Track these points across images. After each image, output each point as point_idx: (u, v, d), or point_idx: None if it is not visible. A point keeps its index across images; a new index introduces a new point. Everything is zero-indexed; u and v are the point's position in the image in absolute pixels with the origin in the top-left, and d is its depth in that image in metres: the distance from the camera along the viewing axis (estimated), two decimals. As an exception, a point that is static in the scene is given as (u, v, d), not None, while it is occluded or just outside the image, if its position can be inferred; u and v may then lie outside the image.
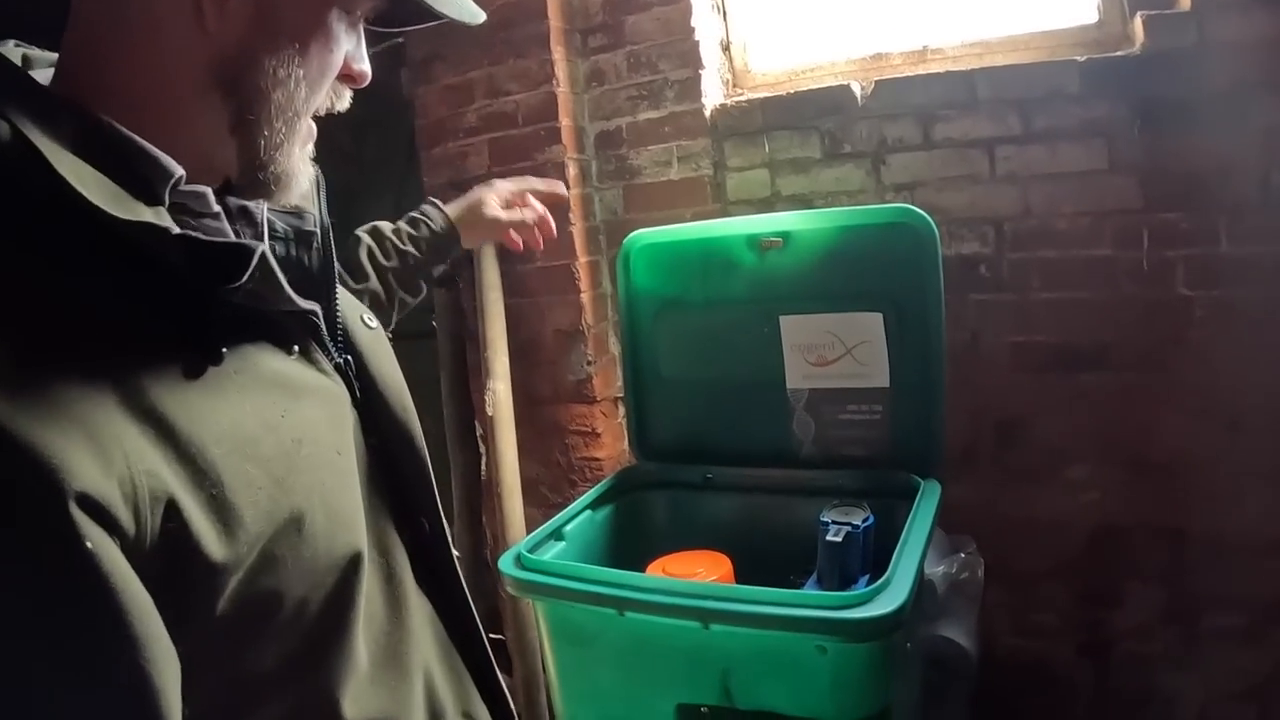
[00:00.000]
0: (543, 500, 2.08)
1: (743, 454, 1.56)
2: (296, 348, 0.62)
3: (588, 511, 1.47)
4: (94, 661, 0.44)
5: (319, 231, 0.68)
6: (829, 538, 1.25)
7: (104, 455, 0.44)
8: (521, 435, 2.01)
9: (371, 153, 2.29)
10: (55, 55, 0.57)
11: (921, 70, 1.72)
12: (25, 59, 0.58)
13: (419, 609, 0.70)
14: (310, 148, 0.64)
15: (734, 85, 1.96)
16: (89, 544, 0.42)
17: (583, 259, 1.97)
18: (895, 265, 1.40)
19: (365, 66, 0.64)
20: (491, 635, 0.83)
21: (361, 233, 1.17)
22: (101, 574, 0.43)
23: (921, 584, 1.13)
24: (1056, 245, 1.59)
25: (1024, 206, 1.61)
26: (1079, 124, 1.54)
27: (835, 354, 1.49)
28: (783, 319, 1.51)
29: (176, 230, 0.50)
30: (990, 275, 1.65)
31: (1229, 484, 1.53)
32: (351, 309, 0.73)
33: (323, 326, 0.65)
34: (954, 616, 1.46)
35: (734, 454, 1.57)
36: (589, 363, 1.98)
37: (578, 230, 1.96)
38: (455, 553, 0.78)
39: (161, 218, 0.51)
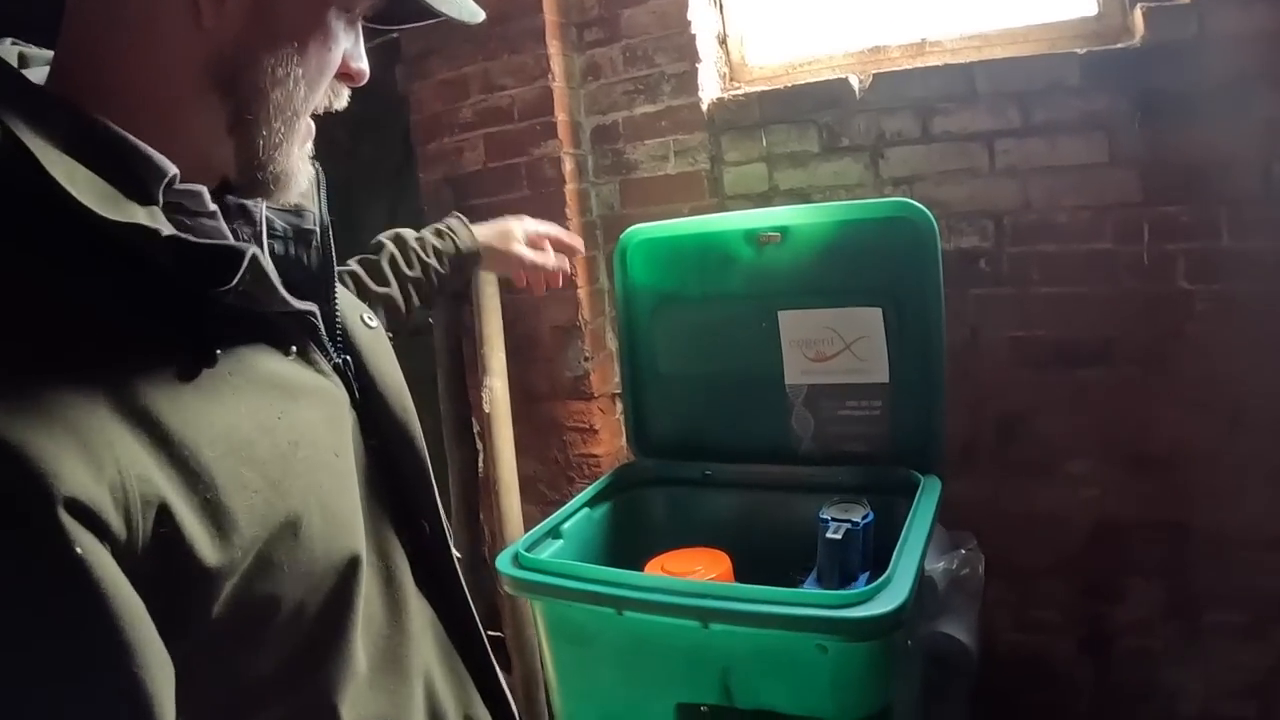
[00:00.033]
0: (540, 497, 2.07)
1: (741, 450, 1.55)
2: (294, 348, 0.62)
3: (585, 509, 1.46)
4: (85, 668, 0.43)
5: (319, 230, 0.67)
6: (829, 535, 1.24)
7: (94, 460, 0.43)
8: (519, 432, 2.00)
9: (367, 149, 2.28)
10: (52, 54, 0.56)
11: (920, 63, 1.71)
12: (22, 57, 0.57)
13: (419, 612, 0.70)
14: (309, 145, 0.63)
15: (731, 79, 1.94)
16: (79, 549, 0.42)
17: (579, 255, 1.96)
18: (894, 260, 1.39)
19: (363, 65, 0.64)
20: (490, 633, 0.82)
21: (385, 239, 1.16)
22: (92, 579, 0.42)
23: (922, 581, 1.12)
24: (1056, 239, 1.59)
25: (1024, 200, 1.60)
26: (1079, 117, 1.53)
27: (834, 349, 1.48)
28: (781, 314, 1.50)
29: (166, 232, 0.49)
30: (990, 269, 1.64)
31: (1230, 479, 1.53)
32: (351, 308, 0.73)
33: (321, 327, 0.64)
34: (955, 613, 1.45)
35: (733, 450, 1.56)
36: (586, 359, 1.97)
37: (574, 226, 1.95)
38: (456, 554, 0.77)
39: (155, 217, 0.50)
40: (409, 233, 1.18)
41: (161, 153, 0.52)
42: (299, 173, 0.61)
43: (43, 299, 0.47)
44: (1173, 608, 1.62)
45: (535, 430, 2.04)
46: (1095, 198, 1.54)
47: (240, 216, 0.60)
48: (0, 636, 0.41)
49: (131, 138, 0.52)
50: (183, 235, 0.50)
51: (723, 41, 1.93)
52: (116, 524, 0.43)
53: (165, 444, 0.48)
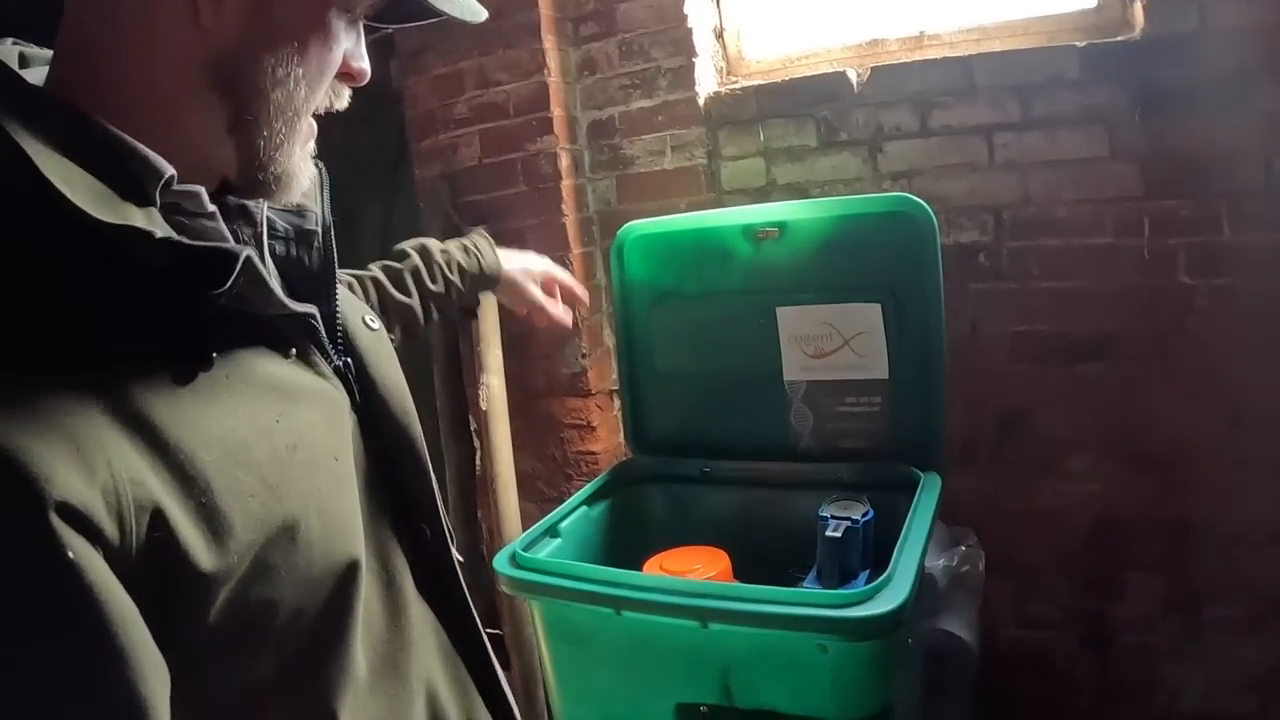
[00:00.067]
0: (538, 495, 2.06)
1: (740, 447, 1.54)
2: (294, 350, 0.61)
3: (583, 507, 1.45)
4: (79, 672, 0.43)
5: (320, 231, 0.67)
6: (828, 533, 1.23)
7: (87, 464, 0.43)
8: (516, 429, 1.99)
9: (361, 145, 2.26)
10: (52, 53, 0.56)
11: (918, 56, 1.70)
12: (23, 57, 0.57)
13: (420, 616, 0.69)
14: (311, 145, 0.63)
15: (728, 73, 1.93)
16: (71, 554, 0.41)
17: (576, 251, 1.95)
18: (894, 255, 1.38)
19: (364, 64, 0.63)
20: (489, 630, 0.81)
21: (410, 249, 1.15)
22: (84, 583, 0.42)
23: (922, 579, 1.11)
24: (1056, 233, 1.57)
25: (1023, 194, 1.59)
26: (1079, 110, 1.52)
27: (833, 345, 1.47)
28: (779, 310, 1.49)
29: (160, 234, 0.49)
30: (989, 264, 1.63)
31: (1231, 474, 1.52)
32: (353, 309, 0.72)
33: (321, 329, 0.64)
34: (955, 610, 1.45)
35: (731, 447, 1.55)
36: (583, 356, 1.95)
37: (570, 222, 1.94)
38: (459, 558, 0.76)
39: (152, 219, 0.50)
40: (434, 245, 1.17)
41: (160, 153, 0.52)
42: (301, 172, 0.61)
43: (37, 301, 0.47)
44: (1173, 603, 1.61)
45: (533, 427, 2.03)
46: (1095, 192, 1.53)
47: (241, 217, 0.60)
48: None
49: (128, 138, 0.51)
50: (175, 237, 0.50)
51: (719, 35, 1.91)
52: (109, 528, 0.43)
53: (160, 448, 0.47)
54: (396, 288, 1.10)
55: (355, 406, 0.66)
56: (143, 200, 0.50)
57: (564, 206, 1.92)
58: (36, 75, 0.54)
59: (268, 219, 0.64)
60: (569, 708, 1.28)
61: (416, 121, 2.08)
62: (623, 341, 1.61)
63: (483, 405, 1.89)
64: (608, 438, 2.00)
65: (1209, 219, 1.47)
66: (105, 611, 0.43)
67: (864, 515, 1.26)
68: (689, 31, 1.82)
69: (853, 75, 1.70)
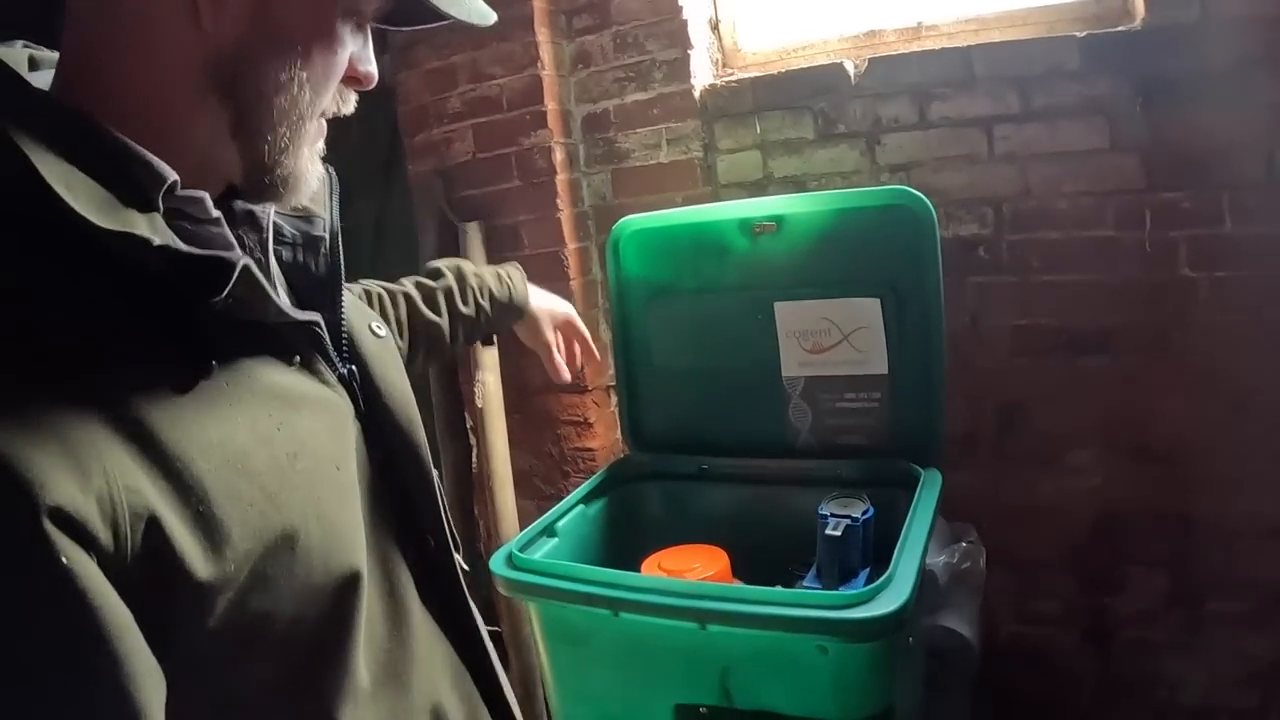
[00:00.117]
0: (536, 492, 2.05)
1: (738, 444, 1.53)
2: (298, 358, 0.61)
3: (580, 506, 1.44)
4: (73, 679, 0.42)
5: (328, 237, 0.67)
6: (828, 531, 1.22)
7: (82, 470, 0.43)
8: (513, 426, 1.98)
9: (354, 141, 2.24)
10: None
11: (916, 47, 1.68)
12: (32, 60, 0.57)
13: (423, 627, 0.68)
14: (320, 146, 0.62)
15: (724, 65, 1.91)
16: (65, 559, 0.41)
17: (571, 245, 1.93)
18: (893, 249, 1.36)
19: (372, 68, 0.62)
20: (488, 628, 0.81)
21: (446, 269, 1.15)
22: (78, 589, 0.42)
23: (923, 578, 1.10)
24: (1057, 226, 1.56)
25: (1023, 187, 1.58)
26: (1079, 102, 1.51)
27: (832, 340, 1.45)
28: (777, 305, 1.47)
29: (158, 241, 0.48)
30: (989, 257, 1.62)
31: (1233, 467, 1.51)
32: (359, 316, 0.72)
33: (325, 336, 0.63)
34: (956, 607, 1.43)
35: (729, 444, 1.54)
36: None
37: (566, 216, 1.92)
38: (464, 566, 0.76)
39: (154, 224, 0.50)
40: (469, 267, 1.17)
41: (163, 157, 0.52)
42: (309, 174, 0.60)
43: (36, 306, 0.46)
44: (1175, 598, 1.60)
45: (529, 424, 2.02)
46: (1096, 184, 1.52)
47: (246, 223, 0.60)
48: None
49: (131, 143, 0.51)
50: (172, 245, 0.49)
51: (715, 27, 1.89)
52: (104, 535, 0.43)
53: (157, 455, 0.47)
54: (428, 305, 1.10)
55: (359, 414, 0.66)
56: (145, 206, 0.50)
57: (559, 201, 1.90)
58: (44, 78, 0.54)
59: (275, 224, 0.64)
60: (567, 708, 1.27)
61: (409, 116, 2.06)
62: (619, 338, 1.59)
63: (478, 403, 1.88)
64: (605, 434, 1.99)
65: (1211, 211, 1.45)
66: (100, 618, 0.42)
67: (864, 513, 1.24)
68: (684, 23, 1.80)
69: (850, 67, 1.68)
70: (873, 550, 1.26)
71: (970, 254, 1.62)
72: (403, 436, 0.70)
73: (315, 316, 0.61)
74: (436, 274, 1.15)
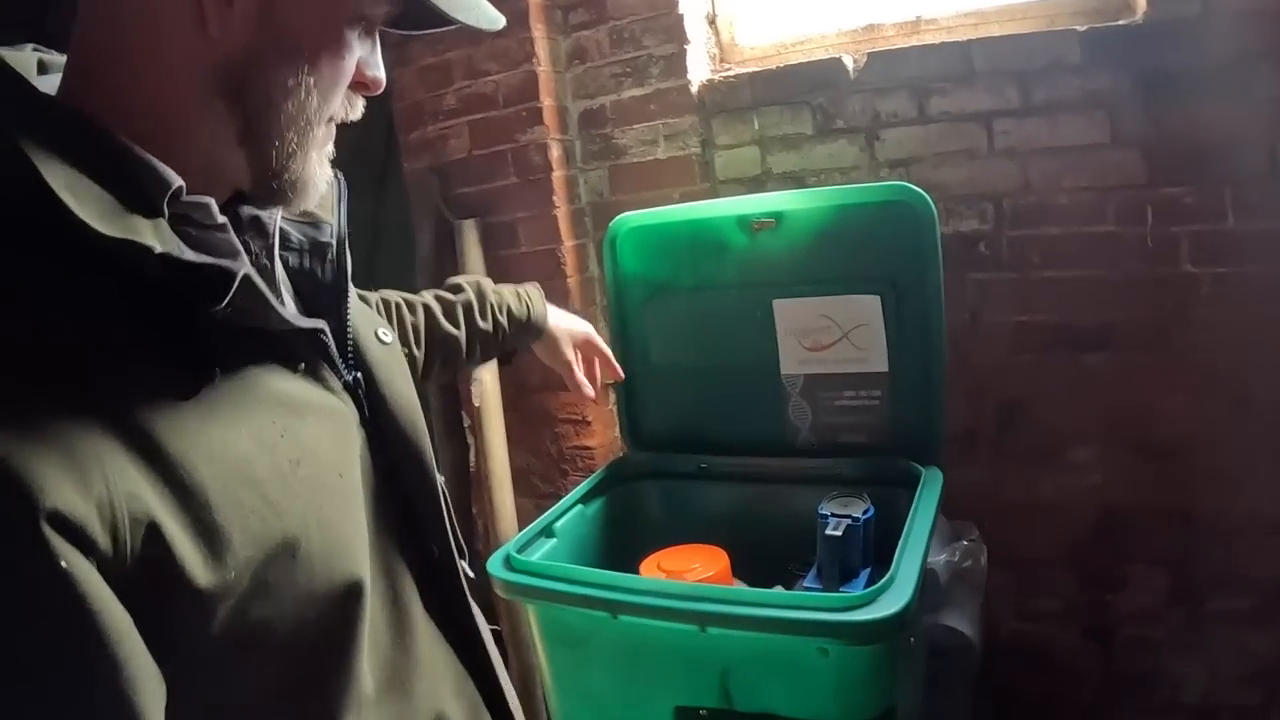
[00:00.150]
0: (534, 490, 2.04)
1: (737, 442, 1.52)
2: (303, 364, 0.61)
3: (579, 506, 1.43)
4: (71, 682, 0.42)
5: (334, 243, 0.67)
6: (829, 532, 1.21)
7: (82, 476, 0.43)
8: (511, 425, 1.97)
9: (349, 139, 2.22)
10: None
11: (915, 42, 1.67)
12: (42, 64, 0.57)
13: (427, 635, 0.68)
14: (330, 148, 0.62)
15: (721, 60, 1.90)
16: (64, 563, 0.41)
17: (568, 243, 1.92)
18: (892, 245, 1.35)
19: (379, 73, 0.62)
20: (490, 626, 0.81)
21: (466, 284, 1.15)
22: (77, 594, 0.42)
23: (924, 577, 1.09)
24: (1058, 222, 1.55)
25: (1024, 182, 1.56)
26: (1080, 96, 1.49)
27: (831, 338, 1.44)
28: (776, 303, 1.46)
29: (159, 249, 0.48)
30: (990, 253, 1.61)
31: (1235, 464, 1.50)
32: (365, 322, 0.71)
33: (331, 343, 0.63)
34: (957, 605, 1.43)
35: (728, 442, 1.52)
36: (578, 350, 1.93)
37: (562, 214, 1.91)
38: (469, 574, 0.75)
39: (159, 230, 0.49)
40: (489, 284, 1.17)
41: (169, 163, 0.51)
42: (317, 178, 0.60)
43: (39, 311, 0.46)
44: (1177, 595, 1.60)
45: (527, 423, 2.01)
46: (1097, 179, 1.51)
47: (253, 229, 0.60)
48: None
49: (137, 148, 0.51)
50: (173, 253, 0.48)
51: (712, 21, 1.88)
52: (103, 540, 0.43)
53: (158, 462, 0.47)
54: (447, 318, 1.10)
55: (364, 421, 0.66)
56: (150, 211, 0.49)
57: (555, 198, 1.89)
58: (53, 82, 0.54)
59: (282, 230, 0.64)
60: (567, 709, 1.26)
61: (404, 113, 2.05)
62: (617, 336, 1.58)
63: (475, 401, 1.87)
64: (603, 432, 1.98)
65: (1213, 206, 1.44)
66: (99, 621, 0.42)
67: (864, 513, 1.23)
68: (680, 18, 1.79)
69: (849, 61, 1.66)
70: (873, 549, 1.25)
71: (970, 250, 1.61)
72: (407, 444, 0.70)
73: (320, 324, 0.61)
74: (457, 289, 1.15)
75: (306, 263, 0.67)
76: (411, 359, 1.04)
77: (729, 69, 1.86)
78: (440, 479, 0.74)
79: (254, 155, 0.56)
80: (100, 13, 0.52)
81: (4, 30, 0.60)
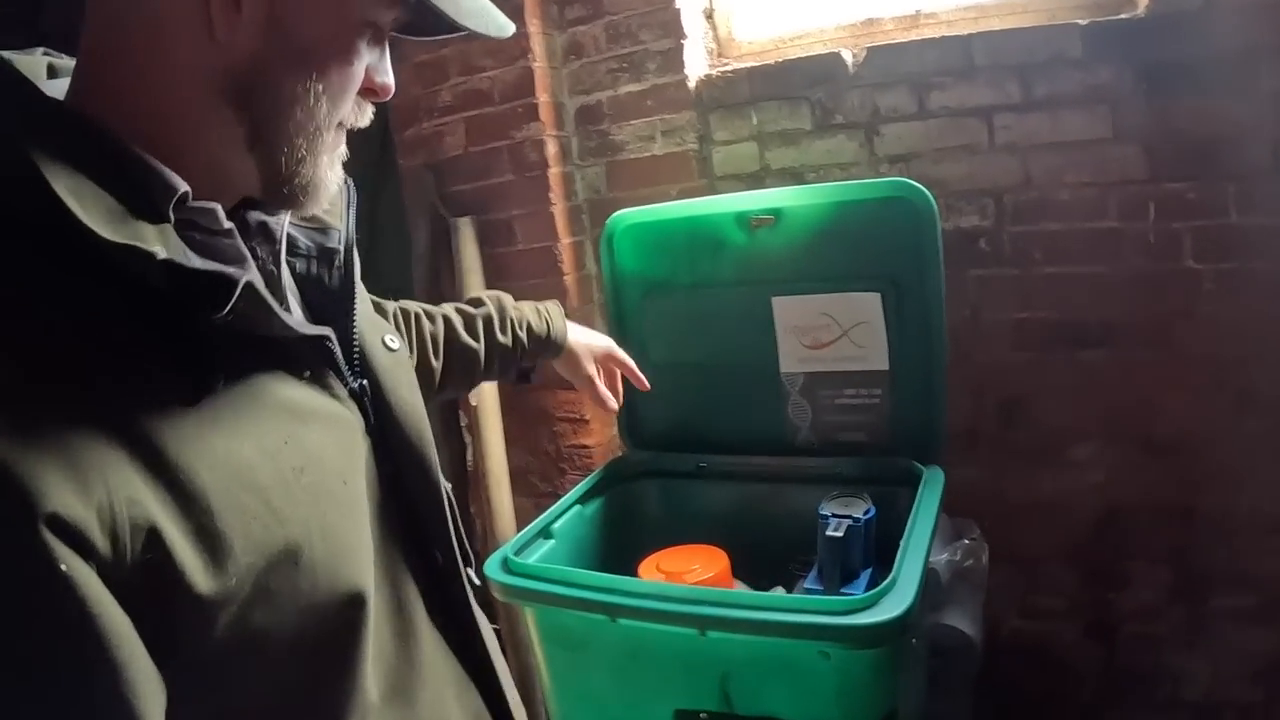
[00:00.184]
0: (532, 489, 2.03)
1: (737, 441, 1.51)
2: (308, 371, 0.60)
3: (577, 506, 1.42)
4: (71, 685, 0.42)
5: (342, 249, 0.68)
6: (829, 532, 1.20)
7: (82, 480, 0.43)
8: (508, 424, 1.96)
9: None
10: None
11: (915, 36, 1.65)
12: (51, 68, 0.57)
13: (430, 643, 0.68)
14: (342, 150, 0.62)
15: (718, 55, 1.88)
16: (63, 566, 0.41)
17: (565, 240, 1.90)
18: (893, 242, 1.34)
19: (388, 80, 0.62)
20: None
21: (487, 298, 1.15)
22: (77, 596, 0.42)
23: (926, 577, 1.08)
24: (1059, 217, 1.54)
25: (1025, 177, 1.55)
26: (1081, 90, 1.48)
27: (831, 336, 1.43)
28: (775, 300, 1.45)
29: (162, 255, 0.47)
30: (990, 249, 1.59)
31: (1238, 461, 1.49)
32: (373, 329, 0.71)
33: (337, 350, 0.63)
34: (958, 604, 1.42)
35: (728, 441, 1.52)
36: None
37: (559, 210, 1.89)
38: (475, 581, 0.75)
39: (164, 235, 0.49)
40: (509, 300, 1.17)
41: (175, 168, 0.51)
42: (327, 181, 0.60)
43: (42, 316, 0.46)
44: (1178, 593, 1.59)
45: (525, 422, 1.99)
46: (1099, 174, 1.49)
47: (260, 234, 0.60)
48: None
49: (142, 153, 0.51)
50: (175, 260, 0.48)
51: (709, 16, 1.86)
52: (102, 545, 0.43)
53: (160, 468, 0.47)
54: (467, 331, 1.10)
55: (369, 429, 0.65)
56: (156, 217, 0.49)
57: (552, 195, 1.88)
58: (61, 86, 0.54)
59: (290, 236, 0.63)
60: (565, 710, 1.25)
61: (399, 110, 2.03)
62: (614, 334, 1.56)
63: (473, 401, 1.85)
64: (601, 431, 1.97)
65: (1216, 202, 1.43)
66: (98, 625, 0.42)
67: (865, 513, 1.22)
68: (677, 13, 1.77)
69: (847, 56, 1.65)
70: (874, 549, 1.24)
71: (971, 246, 1.60)
72: (412, 452, 0.69)
73: (325, 331, 0.61)
74: (477, 302, 1.15)
75: (314, 269, 0.67)
76: (429, 370, 1.04)
77: (727, 64, 1.84)
78: (447, 486, 0.74)
79: (263, 161, 0.56)
80: (107, 17, 0.52)
81: (-1, 29, 0.59)
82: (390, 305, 1.01)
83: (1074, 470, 1.61)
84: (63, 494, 0.41)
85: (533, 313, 1.18)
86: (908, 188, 1.30)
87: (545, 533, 1.33)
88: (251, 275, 0.51)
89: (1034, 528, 1.64)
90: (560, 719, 1.26)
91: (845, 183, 1.58)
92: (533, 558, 1.27)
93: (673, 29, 1.78)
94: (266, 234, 0.61)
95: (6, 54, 0.55)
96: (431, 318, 1.08)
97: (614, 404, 1.30)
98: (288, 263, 0.64)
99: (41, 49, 0.58)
